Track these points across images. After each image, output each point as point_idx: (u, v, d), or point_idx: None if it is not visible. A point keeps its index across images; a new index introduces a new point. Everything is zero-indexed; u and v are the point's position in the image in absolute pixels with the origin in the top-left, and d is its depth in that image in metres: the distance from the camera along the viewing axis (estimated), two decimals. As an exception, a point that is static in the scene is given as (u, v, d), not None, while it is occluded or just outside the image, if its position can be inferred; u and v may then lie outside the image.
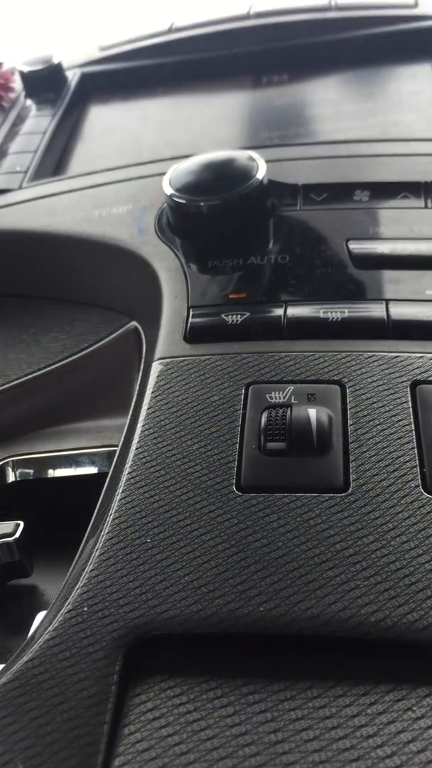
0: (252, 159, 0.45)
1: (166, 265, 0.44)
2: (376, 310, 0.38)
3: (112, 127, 0.64)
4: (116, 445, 0.37)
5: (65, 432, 0.45)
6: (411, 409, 0.33)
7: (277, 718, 0.25)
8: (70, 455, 0.43)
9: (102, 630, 0.27)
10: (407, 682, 0.25)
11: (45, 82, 0.67)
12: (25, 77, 0.68)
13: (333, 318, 0.38)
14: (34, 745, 0.25)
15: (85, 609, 0.28)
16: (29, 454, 0.43)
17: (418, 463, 0.31)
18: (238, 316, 0.39)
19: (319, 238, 0.44)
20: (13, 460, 0.43)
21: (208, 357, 0.38)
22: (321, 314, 0.38)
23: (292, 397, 0.35)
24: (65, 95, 0.66)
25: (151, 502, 0.31)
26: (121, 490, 0.32)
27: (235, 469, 0.32)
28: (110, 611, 0.28)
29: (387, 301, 0.39)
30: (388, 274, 0.41)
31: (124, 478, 0.33)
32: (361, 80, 0.62)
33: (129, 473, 0.33)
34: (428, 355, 0.36)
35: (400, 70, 0.61)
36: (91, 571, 0.29)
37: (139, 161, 0.54)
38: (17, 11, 1.16)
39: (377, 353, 0.36)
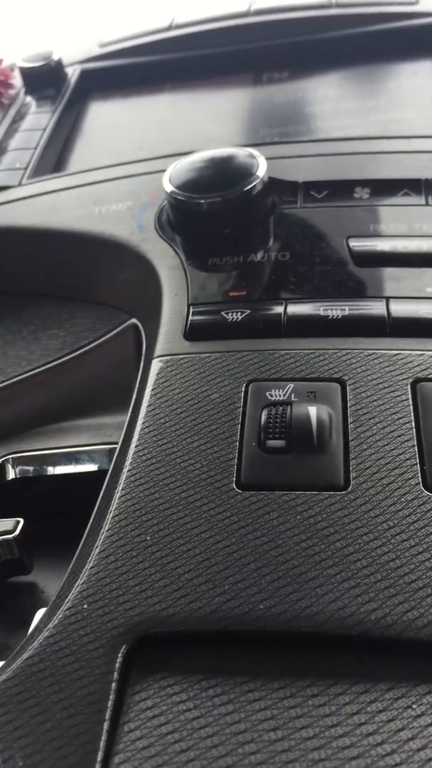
0: (252, 156, 0.45)
1: (166, 263, 0.44)
2: (376, 308, 0.38)
3: (112, 124, 0.64)
4: (116, 443, 0.37)
5: (65, 429, 0.45)
6: (411, 407, 0.33)
7: (277, 715, 0.25)
8: (70, 452, 0.43)
9: (102, 627, 0.27)
10: (407, 680, 0.25)
11: (45, 79, 0.67)
12: (25, 73, 0.68)
13: (333, 315, 0.38)
14: (33, 742, 0.25)
15: (85, 606, 0.28)
16: (29, 451, 0.43)
17: (418, 460, 0.31)
18: (239, 313, 0.39)
19: (319, 235, 0.44)
20: (13, 457, 0.43)
21: (208, 354, 0.38)
22: (321, 312, 0.38)
23: (293, 395, 0.35)
24: (65, 92, 0.66)
25: (151, 499, 0.31)
26: (121, 488, 0.32)
27: (235, 466, 0.32)
28: (110, 609, 0.28)
29: (387, 298, 0.39)
30: (389, 272, 0.41)
31: (124, 476, 0.33)
32: (361, 77, 0.62)
33: (129, 471, 0.33)
34: (429, 353, 0.36)
35: (400, 67, 0.61)
36: (90, 569, 0.29)
37: (139, 158, 0.54)
38: (17, 8, 1.16)
39: (377, 351, 0.36)
